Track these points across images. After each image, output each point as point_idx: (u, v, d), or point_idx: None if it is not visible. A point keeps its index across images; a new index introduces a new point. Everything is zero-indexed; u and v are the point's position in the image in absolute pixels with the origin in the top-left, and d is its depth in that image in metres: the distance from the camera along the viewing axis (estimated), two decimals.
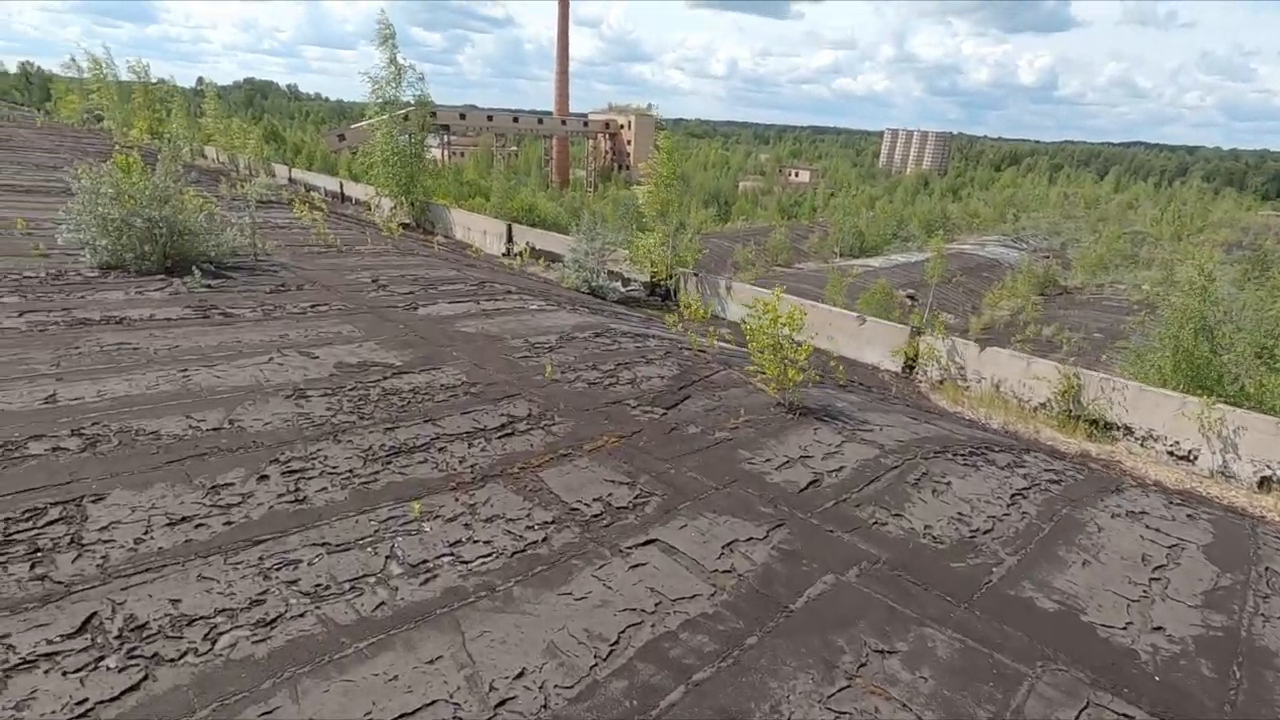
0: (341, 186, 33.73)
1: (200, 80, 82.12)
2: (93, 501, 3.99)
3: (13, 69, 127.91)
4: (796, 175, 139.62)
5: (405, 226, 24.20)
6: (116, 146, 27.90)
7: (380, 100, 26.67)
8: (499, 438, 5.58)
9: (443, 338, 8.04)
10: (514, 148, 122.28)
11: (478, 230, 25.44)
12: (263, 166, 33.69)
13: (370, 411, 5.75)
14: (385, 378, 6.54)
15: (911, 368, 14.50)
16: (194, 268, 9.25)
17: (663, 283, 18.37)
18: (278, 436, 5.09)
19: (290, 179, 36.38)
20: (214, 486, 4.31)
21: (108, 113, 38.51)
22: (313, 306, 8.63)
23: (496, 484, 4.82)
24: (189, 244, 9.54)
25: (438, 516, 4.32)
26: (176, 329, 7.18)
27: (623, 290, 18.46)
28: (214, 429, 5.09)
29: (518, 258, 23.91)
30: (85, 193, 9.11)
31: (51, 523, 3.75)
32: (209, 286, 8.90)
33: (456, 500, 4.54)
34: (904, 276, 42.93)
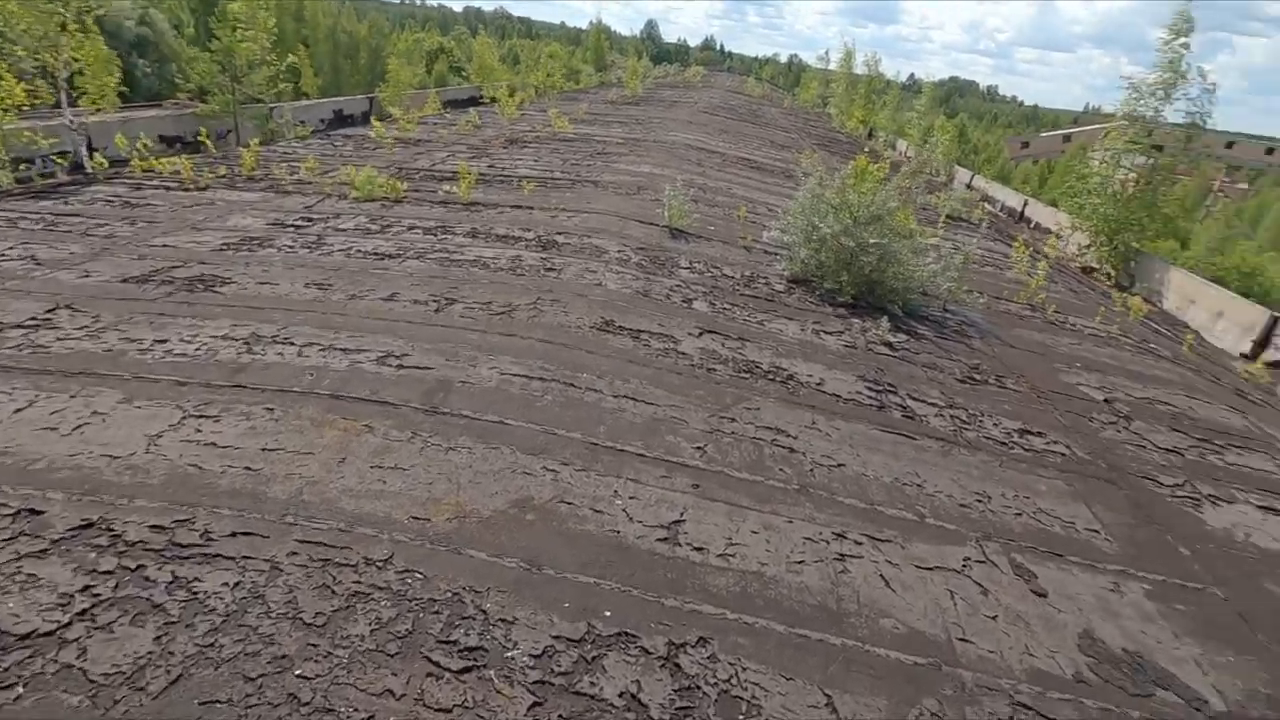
0: (1025, 205, 29.32)
1: (912, 77, 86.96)
2: None
3: (784, 59, 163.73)
4: None
5: (1087, 270, 18.62)
6: (835, 132, 30.15)
7: (1134, 113, 20.74)
8: None
9: None
10: (1246, 185, 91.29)
11: (1205, 308, 17.71)
12: (946, 168, 31.97)
13: None
14: None
15: None
16: (884, 312, 7.21)
17: None
18: None
19: (969, 185, 33.90)
20: None
21: (834, 101, 43.03)
22: (1020, 433, 5.47)
23: None
24: (887, 276, 7.53)
25: None
26: (844, 422, 5.07)
27: None
28: None
29: (1263, 367, 15.67)
30: (809, 193, 7.94)
31: None
32: (890, 347, 6.70)
33: None
34: None
